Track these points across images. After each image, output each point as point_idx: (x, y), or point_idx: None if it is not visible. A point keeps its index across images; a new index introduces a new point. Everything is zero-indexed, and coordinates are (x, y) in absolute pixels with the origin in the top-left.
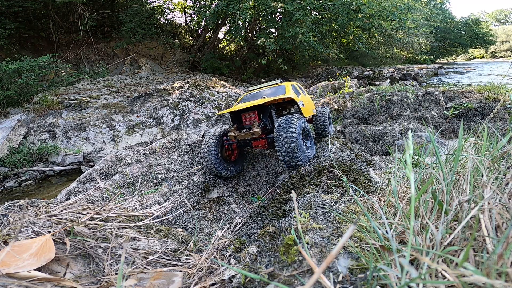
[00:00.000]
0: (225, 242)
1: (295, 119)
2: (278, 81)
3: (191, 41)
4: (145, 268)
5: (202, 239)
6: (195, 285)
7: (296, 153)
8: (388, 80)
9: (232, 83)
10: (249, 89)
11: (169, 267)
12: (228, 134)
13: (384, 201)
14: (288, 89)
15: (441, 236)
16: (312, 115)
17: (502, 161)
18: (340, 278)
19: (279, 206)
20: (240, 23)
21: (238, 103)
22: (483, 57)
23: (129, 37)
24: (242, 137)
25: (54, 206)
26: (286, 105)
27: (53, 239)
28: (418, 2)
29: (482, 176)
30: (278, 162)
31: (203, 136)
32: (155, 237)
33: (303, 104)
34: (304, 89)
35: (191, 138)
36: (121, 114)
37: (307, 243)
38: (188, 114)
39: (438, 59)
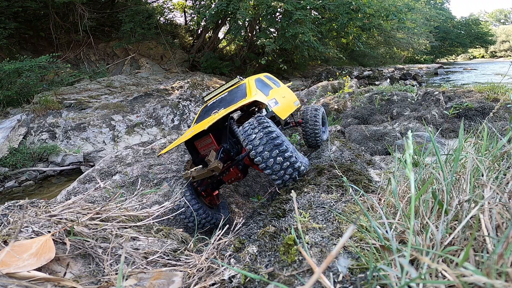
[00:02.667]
0: (225, 242)
1: (264, 119)
2: (237, 79)
3: (191, 41)
4: (145, 268)
5: (202, 239)
6: (195, 285)
7: (291, 158)
8: (388, 80)
9: None
10: (205, 98)
11: (169, 267)
12: (182, 175)
13: (384, 200)
14: (250, 88)
15: (441, 236)
16: (300, 117)
17: (502, 161)
18: (340, 278)
19: (279, 206)
20: (240, 23)
21: (195, 121)
22: (483, 56)
23: (129, 37)
24: (201, 177)
25: (54, 206)
26: (255, 108)
27: (53, 239)
28: (418, 2)
29: (482, 175)
30: None
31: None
32: (155, 237)
33: (276, 103)
34: (304, 88)
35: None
36: (121, 114)
37: (307, 243)
38: (188, 114)
39: (438, 59)
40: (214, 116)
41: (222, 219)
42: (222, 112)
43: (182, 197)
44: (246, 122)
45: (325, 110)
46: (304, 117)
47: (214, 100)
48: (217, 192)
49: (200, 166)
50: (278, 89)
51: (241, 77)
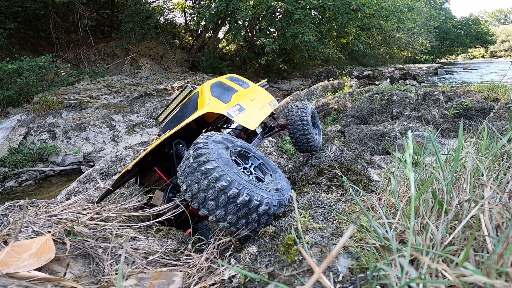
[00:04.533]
0: (225, 242)
1: (200, 144)
2: (189, 89)
3: (191, 41)
4: (145, 268)
5: (202, 239)
6: (195, 285)
7: (247, 205)
8: (388, 80)
9: None
10: (159, 119)
11: (169, 267)
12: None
13: (384, 200)
14: (203, 98)
15: (441, 236)
16: (286, 120)
17: (502, 161)
18: (340, 278)
19: None
20: (240, 23)
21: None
22: (483, 56)
23: (129, 37)
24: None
25: (54, 206)
26: (220, 118)
27: (53, 239)
28: (418, 2)
29: (482, 175)
30: (278, 162)
31: None
32: (155, 237)
33: (240, 109)
34: (304, 88)
35: None
36: (121, 114)
37: (307, 243)
38: None
39: (438, 59)
40: (148, 148)
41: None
42: (159, 139)
43: None
44: (184, 160)
45: (325, 110)
46: (289, 118)
47: (168, 120)
48: (189, 231)
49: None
50: (245, 91)
51: (193, 85)
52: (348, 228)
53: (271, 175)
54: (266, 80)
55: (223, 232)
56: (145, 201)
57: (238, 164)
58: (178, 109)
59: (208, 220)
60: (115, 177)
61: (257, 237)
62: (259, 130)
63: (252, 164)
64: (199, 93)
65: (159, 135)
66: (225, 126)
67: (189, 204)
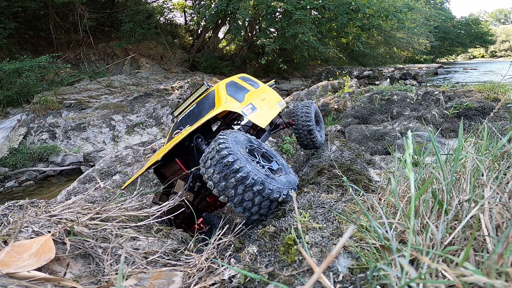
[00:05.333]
0: (225, 242)
1: (221, 138)
2: (205, 87)
3: (191, 41)
4: (145, 268)
5: (202, 239)
6: (195, 285)
7: (261, 193)
8: (388, 80)
9: None
10: (175, 113)
11: (169, 267)
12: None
13: (384, 200)
14: (219, 96)
15: (441, 236)
16: (291, 118)
17: (502, 161)
18: (340, 278)
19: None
20: (240, 23)
21: (167, 141)
22: (483, 56)
23: (129, 37)
24: (174, 212)
25: (54, 206)
26: (233, 114)
27: (53, 239)
28: (417, 2)
29: (482, 175)
30: None
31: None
32: (155, 237)
33: (252, 108)
34: (304, 88)
35: None
36: (121, 114)
37: (307, 243)
38: None
39: (438, 59)
40: (175, 138)
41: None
42: (181, 134)
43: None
44: (206, 154)
45: (325, 110)
46: (294, 116)
47: (183, 115)
48: (201, 220)
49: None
50: (256, 90)
51: (209, 84)
52: (348, 228)
53: (276, 162)
54: (274, 80)
55: (223, 232)
56: (140, 202)
57: (253, 158)
58: (194, 106)
59: (226, 206)
60: (115, 177)
61: (257, 237)
62: (267, 127)
63: (258, 154)
64: (215, 92)
65: (180, 129)
66: (235, 122)
67: (207, 193)
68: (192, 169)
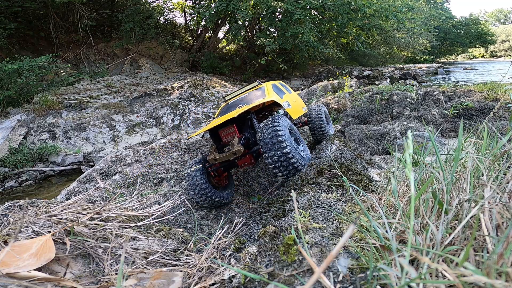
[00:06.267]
0: (225, 241)
1: (278, 120)
2: (257, 83)
3: (191, 41)
4: (145, 268)
5: (202, 239)
6: (195, 285)
7: (291, 159)
8: (388, 80)
9: (232, 82)
10: (226, 98)
11: (169, 267)
12: (208, 158)
13: (384, 200)
14: (269, 91)
15: (441, 236)
16: (306, 117)
17: (502, 161)
18: (340, 278)
19: (279, 205)
20: (240, 23)
21: (216, 116)
22: (483, 56)
23: (129, 37)
24: (223, 158)
25: (54, 206)
26: (270, 109)
27: (53, 239)
28: (418, 2)
29: (482, 175)
30: None
31: (203, 136)
32: (155, 237)
33: (288, 105)
34: (304, 88)
35: (191, 138)
36: (121, 114)
37: (307, 243)
38: (188, 114)
39: (438, 59)
40: (239, 109)
41: (224, 199)
42: (246, 107)
43: (192, 173)
44: (264, 121)
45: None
46: (310, 115)
47: (235, 99)
48: (226, 173)
49: (227, 147)
50: (290, 95)
51: (260, 81)
52: (348, 228)
53: (302, 146)
54: (300, 91)
55: (223, 231)
56: (140, 202)
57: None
58: (245, 95)
59: (266, 162)
60: (115, 177)
61: (257, 237)
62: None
63: (293, 137)
64: (265, 88)
65: (233, 108)
66: (273, 112)
67: (248, 152)
68: (245, 134)
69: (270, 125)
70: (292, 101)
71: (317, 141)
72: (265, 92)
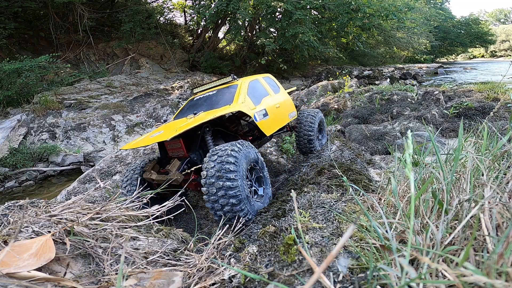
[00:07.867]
0: (225, 241)
1: (234, 152)
2: (230, 78)
3: (191, 41)
4: (145, 268)
5: (202, 239)
6: (195, 285)
7: (236, 212)
8: (388, 80)
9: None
10: (195, 91)
11: (169, 267)
12: (144, 176)
13: (384, 200)
14: (239, 94)
15: (441, 236)
16: (296, 123)
17: (502, 160)
18: (340, 278)
19: (279, 205)
20: (240, 23)
21: (176, 116)
22: (483, 56)
23: (129, 37)
24: (160, 181)
25: (54, 206)
26: (243, 116)
27: (53, 239)
28: (417, 2)
29: (482, 175)
30: (278, 161)
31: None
32: (155, 237)
33: (264, 115)
34: (304, 88)
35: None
36: (121, 114)
37: (307, 243)
38: None
39: (438, 58)
40: (189, 123)
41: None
42: (196, 120)
43: (125, 188)
44: (213, 150)
45: (325, 109)
46: (299, 121)
47: (201, 96)
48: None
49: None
50: (275, 96)
51: (235, 77)
52: (348, 228)
53: (264, 189)
54: (295, 87)
55: (223, 232)
56: (140, 202)
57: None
58: (214, 92)
59: (203, 198)
60: (115, 177)
61: (257, 237)
62: None
63: (255, 175)
64: (237, 88)
65: (194, 113)
66: (244, 117)
67: (194, 179)
68: (191, 155)
69: (217, 160)
70: (274, 106)
71: (301, 153)
72: (234, 94)
